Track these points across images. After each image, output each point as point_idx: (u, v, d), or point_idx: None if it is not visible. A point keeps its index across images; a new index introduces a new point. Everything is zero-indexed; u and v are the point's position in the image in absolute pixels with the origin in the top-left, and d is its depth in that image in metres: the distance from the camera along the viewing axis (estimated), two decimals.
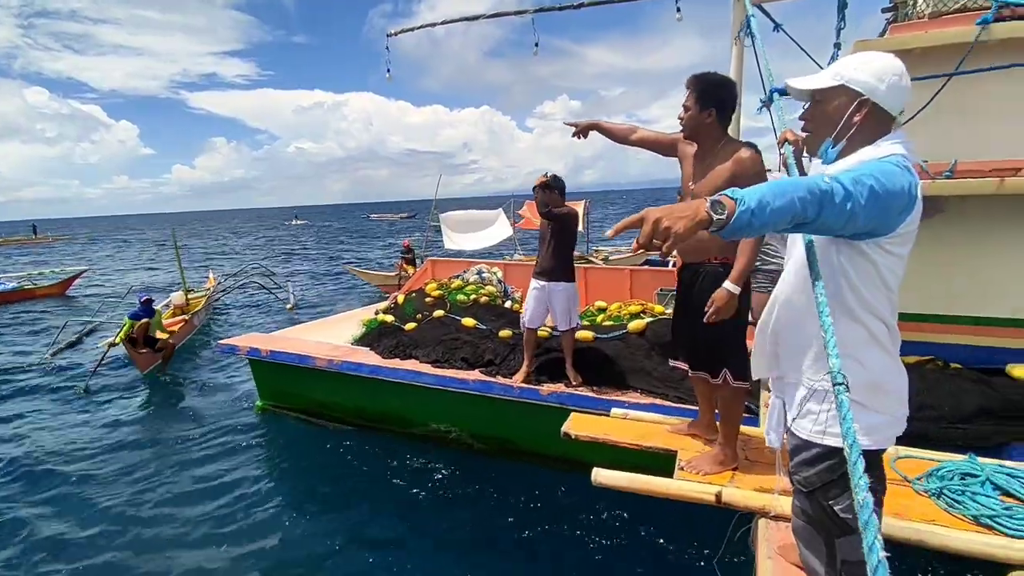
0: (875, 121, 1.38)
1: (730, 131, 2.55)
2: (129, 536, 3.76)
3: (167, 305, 9.90)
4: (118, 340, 7.14)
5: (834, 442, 1.41)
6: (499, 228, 12.06)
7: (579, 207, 12.41)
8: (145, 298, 7.58)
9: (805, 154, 1.66)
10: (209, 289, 11.74)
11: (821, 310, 1.03)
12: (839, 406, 0.86)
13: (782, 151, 1.63)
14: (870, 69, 1.37)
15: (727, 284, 2.36)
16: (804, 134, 1.52)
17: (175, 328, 8.43)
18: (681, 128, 2.50)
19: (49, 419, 6.01)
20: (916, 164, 1.32)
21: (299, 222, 63.86)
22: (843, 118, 1.38)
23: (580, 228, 12.65)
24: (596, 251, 14.64)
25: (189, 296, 10.36)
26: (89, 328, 10.06)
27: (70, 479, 4.61)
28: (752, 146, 2.36)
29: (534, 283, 4.19)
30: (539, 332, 4.37)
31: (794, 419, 1.50)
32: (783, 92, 1.85)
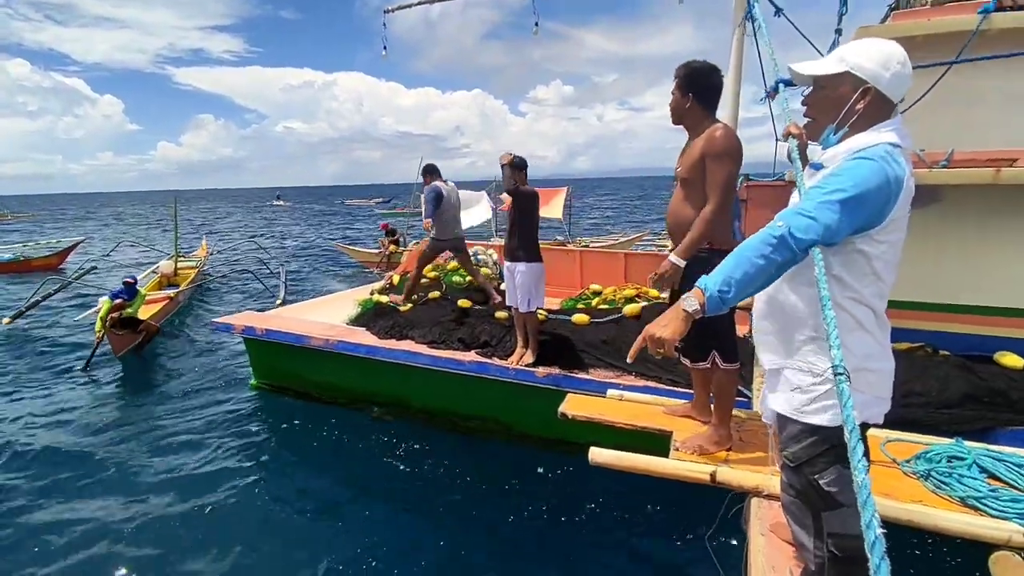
0: (876, 108, 1.40)
1: (727, 121, 2.61)
2: (104, 520, 3.67)
3: (155, 271, 9.45)
4: (100, 324, 6.72)
5: (818, 420, 1.46)
6: (480, 211, 12.28)
7: (561, 194, 12.77)
8: (129, 279, 7.27)
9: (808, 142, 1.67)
10: (200, 259, 11.32)
11: (824, 303, 1.06)
12: (840, 394, 0.90)
13: (786, 144, 1.64)
14: (875, 56, 1.39)
15: (671, 256, 2.51)
16: (805, 120, 1.54)
17: (158, 306, 7.93)
18: (671, 115, 2.63)
19: (8, 397, 5.75)
20: (913, 152, 1.36)
21: (281, 203, 62.76)
22: (847, 105, 1.41)
23: (559, 215, 13.08)
24: (578, 240, 14.83)
25: (179, 265, 9.93)
26: (57, 287, 9.27)
27: (38, 463, 4.42)
28: (726, 125, 2.48)
29: (506, 266, 4.27)
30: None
31: (783, 398, 1.55)
32: (789, 83, 1.86)
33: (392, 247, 13.10)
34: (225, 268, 13.01)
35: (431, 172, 5.77)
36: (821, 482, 1.48)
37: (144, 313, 7.35)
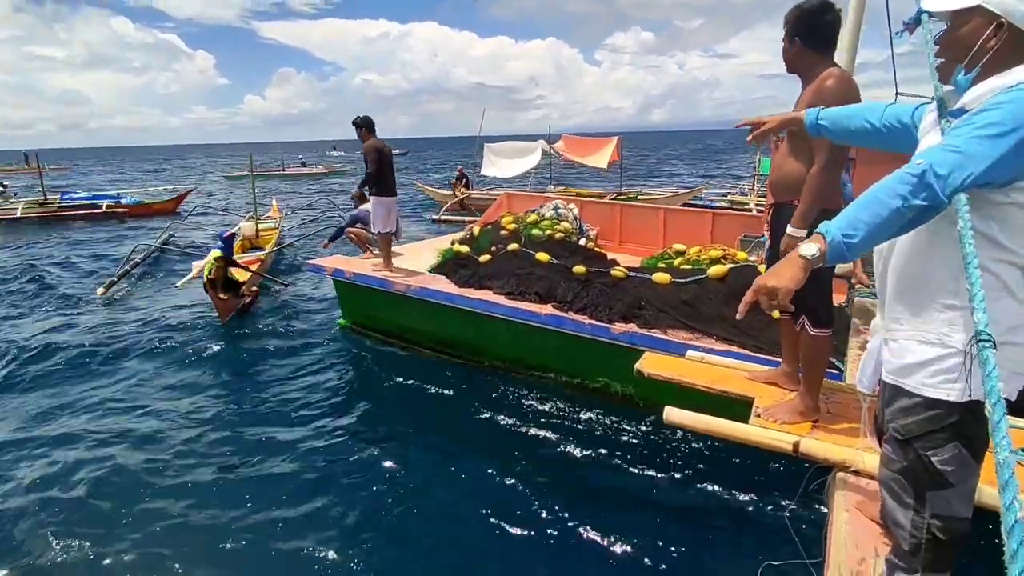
0: (1016, 46, 1.21)
1: (843, 65, 2.38)
2: (204, 451, 3.98)
3: (235, 234, 9.23)
4: (206, 279, 6.43)
5: (938, 394, 1.33)
6: (533, 158, 14.06)
7: (610, 144, 13.74)
8: (228, 233, 7.11)
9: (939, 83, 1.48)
10: (275, 220, 11.25)
11: (969, 261, 0.94)
12: (983, 363, 0.80)
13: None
14: None
15: (789, 228, 2.28)
16: (938, 61, 1.37)
17: (253, 266, 7.62)
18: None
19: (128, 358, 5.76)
20: None
21: (337, 152, 63.63)
22: (977, 43, 1.23)
23: (604, 165, 14.54)
24: (628, 191, 15.27)
25: (259, 228, 9.89)
26: (143, 256, 9.30)
27: (153, 406, 4.68)
28: (839, 70, 2.25)
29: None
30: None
31: (898, 367, 1.43)
32: (933, 13, 1.64)
33: (463, 189, 15.32)
34: (306, 217, 13.44)
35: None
36: (935, 459, 1.36)
37: (241, 276, 7.04)
